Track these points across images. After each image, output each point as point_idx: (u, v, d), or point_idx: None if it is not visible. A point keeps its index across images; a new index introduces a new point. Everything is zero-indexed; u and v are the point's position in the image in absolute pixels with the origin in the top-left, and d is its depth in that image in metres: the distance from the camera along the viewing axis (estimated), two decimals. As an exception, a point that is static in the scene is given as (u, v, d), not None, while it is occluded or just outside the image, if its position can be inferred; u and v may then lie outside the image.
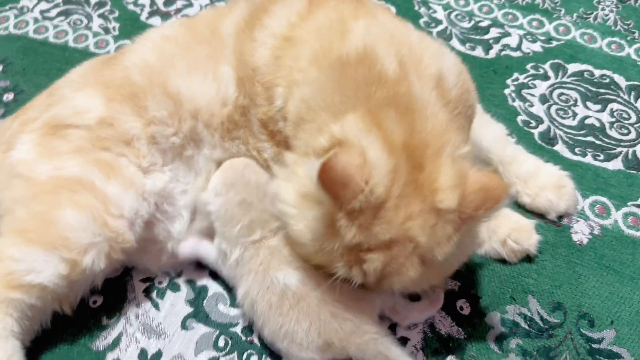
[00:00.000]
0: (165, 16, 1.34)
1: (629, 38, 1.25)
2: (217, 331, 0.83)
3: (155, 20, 1.33)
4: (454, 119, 0.72)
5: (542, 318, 0.83)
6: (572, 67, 1.19)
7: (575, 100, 1.13)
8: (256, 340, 0.82)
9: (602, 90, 1.15)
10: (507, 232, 0.88)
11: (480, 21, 1.30)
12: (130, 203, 0.80)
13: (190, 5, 1.37)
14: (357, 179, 0.61)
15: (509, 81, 1.16)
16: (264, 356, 0.80)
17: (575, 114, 1.10)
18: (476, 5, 1.34)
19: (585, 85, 1.16)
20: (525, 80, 1.17)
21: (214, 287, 0.88)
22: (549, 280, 0.87)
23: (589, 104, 1.12)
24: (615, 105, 1.12)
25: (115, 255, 0.78)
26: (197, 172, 0.88)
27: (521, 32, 1.27)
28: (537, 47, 1.24)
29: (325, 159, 0.61)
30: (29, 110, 0.89)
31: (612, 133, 1.07)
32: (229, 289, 0.85)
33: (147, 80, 0.85)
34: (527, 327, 0.83)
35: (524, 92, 1.14)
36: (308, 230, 0.69)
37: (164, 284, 0.88)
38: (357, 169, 0.61)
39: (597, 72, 1.18)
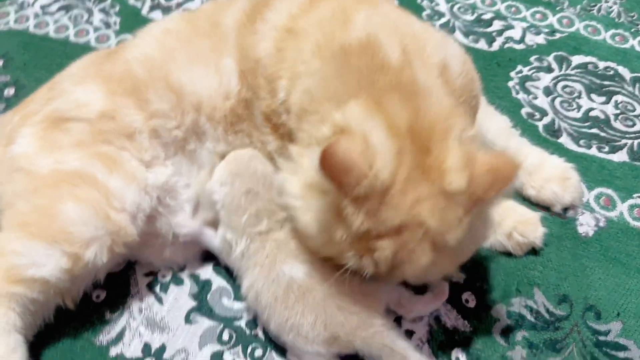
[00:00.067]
0: (167, 10, 1.34)
1: (633, 30, 1.24)
2: (221, 325, 0.83)
3: (157, 15, 1.33)
4: (459, 106, 0.71)
5: (548, 310, 0.83)
6: (576, 59, 1.18)
7: (580, 93, 1.12)
8: (260, 334, 0.81)
9: (606, 82, 1.14)
10: (513, 225, 0.87)
11: (483, 14, 1.29)
12: (133, 197, 0.79)
13: (191, -1, 1.36)
14: (360, 164, 0.60)
15: (512, 74, 1.16)
16: (268, 349, 0.80)
17: (579, 106, 1.10)
18: (479, -3, 1.34)
19: (590, 77, 1.15)
20: (529, 73, 1.16)
21: (217, 281, 0.87)
22: (555, 272, 0.87)
23: (593, 96, 1.12)
24: (619, 97, 1.11)
25: (117, 249, 0.78)
26: (200, 166, 0.87)
27: (524, 24, 1.26)
28: (540, 39, 1.23)
29: (326, 146, 0.60)
30: (30, 104, 0.89)
31: (617, 125, 1.07)
32: (233, 282, 0.85)
33: (148, 74, 0.85)
34: (533, 319, 0.82)
35: (528, 84, 1.14)
36: (315, 222, 0.68)
37: (167, 278, 0.88)
38: (360, 154, 0.60)
39: (601, 64, 1.17)
